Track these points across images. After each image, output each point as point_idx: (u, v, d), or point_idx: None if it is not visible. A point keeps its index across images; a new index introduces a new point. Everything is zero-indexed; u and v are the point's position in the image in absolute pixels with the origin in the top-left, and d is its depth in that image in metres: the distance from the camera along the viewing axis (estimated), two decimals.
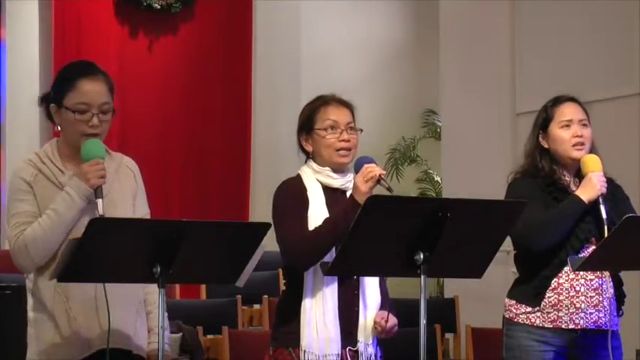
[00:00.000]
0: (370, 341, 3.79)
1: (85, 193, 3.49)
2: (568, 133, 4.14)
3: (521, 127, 7.75)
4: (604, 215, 3.94)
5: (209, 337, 7.25)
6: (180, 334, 6.76)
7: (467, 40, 8.85)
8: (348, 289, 3.77)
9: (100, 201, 3.46)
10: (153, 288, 3.69)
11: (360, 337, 3.77)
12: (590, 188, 4.01)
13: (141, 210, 3.71)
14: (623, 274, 4.11)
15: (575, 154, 4.12)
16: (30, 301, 3.62)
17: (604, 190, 4.01)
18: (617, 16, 7.56)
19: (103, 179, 3.51)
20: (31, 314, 3.61)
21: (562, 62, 7.87)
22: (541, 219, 3.98)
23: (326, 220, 3.69)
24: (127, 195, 3.68)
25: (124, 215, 3.55)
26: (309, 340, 3.70)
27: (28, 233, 3.48)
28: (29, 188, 3.54)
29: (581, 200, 4.00)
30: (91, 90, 3.58)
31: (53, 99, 3.62)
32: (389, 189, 3.64)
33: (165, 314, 3.71)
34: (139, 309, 3.65)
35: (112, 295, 3.43)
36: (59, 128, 3.63)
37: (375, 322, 3.76)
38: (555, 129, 4.16)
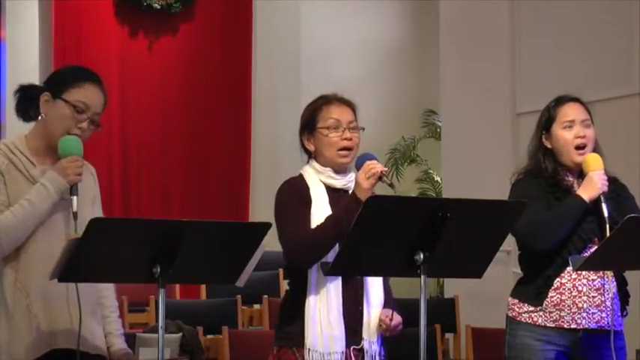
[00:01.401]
0: (375, 339, 3.79)
1: (62, 188, 3.49)
2: (570, 133, 4.13)
3: (522, 127, 7.76)
4: (605, 214, 3.94)
5: (209, 337, 7.25)
6: (180, 334, 6.76)
7: (467, 40, 8.85)
8: (353, 288, 3.77)
9: (74, 198, 3.47)
10: (107, 292, 3.70)
11: (365, 334, 3.78)
12: (592, 187, 4.01)
13: (97, 215, 3.67)
14: (626, 274, 4.11)
15: (578, 158, 4.11)
16: None
17: (605, 188, 4.01)
18: (617, 16, 7.56)
19: (80, 177, 3.52)
20: None
21: (562, 62, 7.87)
22: (543, 218, 3.98)
23: (328, 218, 3.70)
24: (88, 198, 3.67)
25: (89, 216, 3.48)
26: (313, 338, 3.70)
27: (1, 221, 3.46)
28: (1, 177, 3.54)
29: (582, 199, 4.00)
30: (94, 95, 3.61)
31: (49, 88, 3.62)
32: (391, 185, 3.66)
33: (117, 314, 3.71)
34: (94, 309, 3.62)
35: (70, 295, 3.43)
36: (42, 117, 3.61)
37: (379, 320, 3.77)
38: (558, 129, 4.16)
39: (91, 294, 3.59)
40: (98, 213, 3.69)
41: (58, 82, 3.63)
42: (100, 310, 3.67)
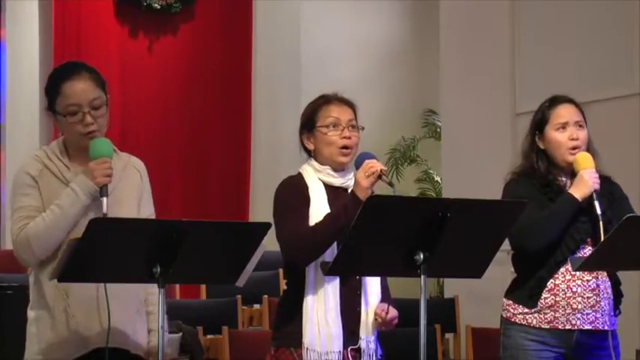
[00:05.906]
0: (372, 337, 3.80)
1: (90, 191, 3.51)
2: (564, 135, 4.12)
3: (521, 127, 7.72)
4: (598, 211, 3.94)
5: (209, 337, 7.25)
6: (180, 334, 6.76)
7: (467, 41, 8.85)
8: (351, 288, 3.78)
9: (104, 199, 3.48)
10: (154, 288, 3.70)
11: (362, 333, 3.78)
12: (583, 185, 4.00)
13: (146, 210, 3.71)
14: (622, 274, 4.11)
15: (572, 158, 4.10)
16: (31, 298, 3.63)
17: (597, 186, 4.00)
18: (616, 16, 7.56)
19: (109, 178, 3.53)
20: (30, 313, 3.62)
21: (562, 62, 7.87)
22: (535, 219, 3.96)
23: (326, 216, 3.71)
24: (132, 194, 3.68)
25: (128, 215, 3.56)
26: (310, 337, 3.71)
27: (31, 227, 3.50)
28: (34, 183, 3.56)
29: (574, 198, 3.99)
30: (75, 90, 3.59)
31: (48, 106, 3.65)
32: (390, 184, 3.66)
33: (165, 316, 3.72)
34: (139, 309, 3.66)
35: (112, 293, 3.45)
36: (61, 133, 3.67)
37: (375, 314, 3.78)
38: (551, 131, 4.14)
39: (136, 292, 3.62)
40: (146, 207, 3.71)
41: (48, 97, 3.65)
42: (144, 306, 3.68)
